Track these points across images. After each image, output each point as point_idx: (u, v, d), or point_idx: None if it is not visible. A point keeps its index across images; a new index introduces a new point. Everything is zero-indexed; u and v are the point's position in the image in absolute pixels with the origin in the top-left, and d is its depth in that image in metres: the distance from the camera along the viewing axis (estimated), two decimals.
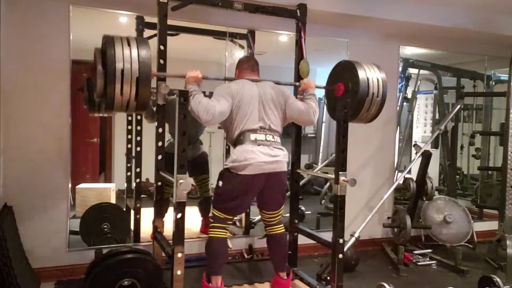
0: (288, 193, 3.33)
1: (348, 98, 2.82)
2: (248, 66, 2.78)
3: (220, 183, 2.60)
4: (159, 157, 2.80)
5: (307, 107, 2.72)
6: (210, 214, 2.75)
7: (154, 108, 2.72)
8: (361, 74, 2.75)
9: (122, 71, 2.03)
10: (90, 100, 3.03)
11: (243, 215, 3.74)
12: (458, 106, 4.06)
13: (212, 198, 2.77)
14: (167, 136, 2.92)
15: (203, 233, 3.67)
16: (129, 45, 2.09)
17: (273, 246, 2.84)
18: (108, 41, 2.06)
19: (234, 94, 2.55)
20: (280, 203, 2.78)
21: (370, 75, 2.78)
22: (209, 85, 4.14)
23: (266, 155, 2.52)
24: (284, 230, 2.86)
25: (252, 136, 2.54)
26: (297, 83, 2.92)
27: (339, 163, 2.55)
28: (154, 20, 2.73)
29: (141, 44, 2.11)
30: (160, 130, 2.78)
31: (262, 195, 2.68)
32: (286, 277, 2.81)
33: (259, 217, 3.09)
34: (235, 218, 3.23)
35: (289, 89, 2.92)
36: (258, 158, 2.49)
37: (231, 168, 2.53)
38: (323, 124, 4.97)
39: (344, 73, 2.92)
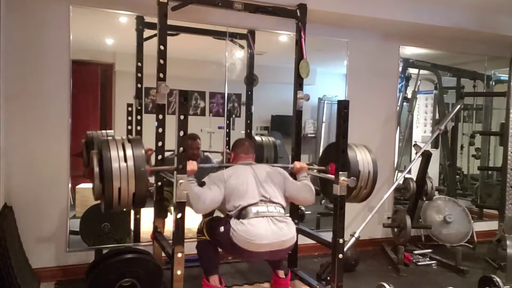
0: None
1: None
2: (241, 150, 2.81)
3: (222, 229, 2.47)
4: (159, 157, 2.80)
5: (306, 186, 2.72)
6: (204, 219, 2.74)
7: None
8: (352, 155, 2.74)
9: (119, 172, 2.11)
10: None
11: None
12: (458, 106, 4.06)
13: (208, 225, 2.68)
14: (167, 133, 2.90)
15: None
16: (123, 146, 2.18)
17: None
18: (104, 145, 2.16)
19: (226, 179, 2.54)
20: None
21: (360, 156, 2.78)
22: (208, 85, 4.16)
23: (270, 232, 2.39)
24: None
25: (254, 209, 2.44)
26: (291, 166, 2.89)
27: (339, 163, 2.55)
28: (154, 20, 2.73)
29: (134, 144, 2.20)
30: (160, 130, 2.78)
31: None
32: (284, 276, 2.81)
33: None
34: None
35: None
36: (261, 236, 2.36)
37: (231, 232, 2.39)
38: (323, 124, 4.97)
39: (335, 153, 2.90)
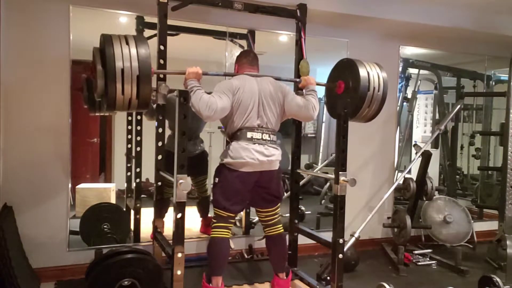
0: (288, 193, 3.34)
1: (348, 95, 2.81)
2: (247, 61, 2.78)
3: (217, 179, 2.64)
4: (159, 157, 2.79)
5: (307, 103, 2.71)
6: (212, 215, 2.75)
7: (154, 106, 2.73)
8: (362, 72, 2.74)
9: (122, 70, 2.01)
10: (90, 99, 3.03)
11: (243, 215, 3.74)
12: (458, 106, 4.06)
13: (212, 197, 2.77)
14: (167, 133, 2.91)
15: (203, 233, 3.67)
16: (127, 43, 2.07)
17: (272, 246, 2.84)
18: (107, 40, 2.05)
19: (235, 90, 2.56)
20: (271, 200, 2.78)
21: (371, 73, 2.77)
22: (208, 85, 4.16)
23: (260, 154, 2.56)
24: (282, 230, 2.86)
25: (249, 134, 2.57)
26: (298, 79, 2.93)
27: (339, 163, 2.55)
28: (154, 20, 2.72)
29: (139, 42, 2.10)
30: (160, 130, 2.78)
31: (252, 193, 2.70)
32: (285, 277, 2.81)
33: None
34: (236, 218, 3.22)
35: (290, 86, 2.90)
36: (253, 157, 2.54)
37: (226, 164, 2.58)
38: (323, 124, 4.97)
39: (344, 71, 2.93)
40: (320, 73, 4.40)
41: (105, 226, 3.30)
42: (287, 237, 3.15)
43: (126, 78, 2.02)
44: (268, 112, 2.64)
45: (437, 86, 4.89)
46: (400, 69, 4.33)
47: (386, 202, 3.95)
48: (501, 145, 3.83)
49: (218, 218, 2.64)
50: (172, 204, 2.32)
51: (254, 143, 2.57)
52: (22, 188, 2.95)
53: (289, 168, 3.27)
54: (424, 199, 4.07)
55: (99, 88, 2.04)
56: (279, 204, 2.84)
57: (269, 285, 2.97)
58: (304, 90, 2.85)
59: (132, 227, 3.44)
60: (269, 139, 2.63)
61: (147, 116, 3.31)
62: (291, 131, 3.23)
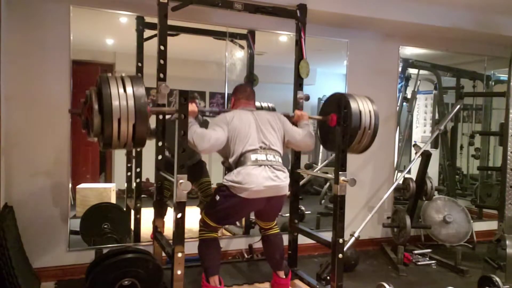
0: (288, 193, 3.34)
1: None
2: (243, 96, 2.79)
3: (217, 197, 2.56)
4: (159, 157, 2.80)
5: (305, 132, 2.75)
6: (200, 223, 2.73)
7: (152, 128, 2.69)
8: (354, 106, 2.75)
9: (119, 109, 2.06)
10: (88, 124, 3.02)
11: None
12: (458, 106, 4.06)
13: (206, 208, 2.73)
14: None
15: None
16: (123, 83, 2.12)
17: (268, 246, 2.86)
18: (104, 81, 2.10)
19: (229, 121, 2.57)
20: (274, 216, 2.84)
21: (363, 107, 2.78)
22: (208, 85, 4.16)
23: (267, 178, 2.48)
24: (278, 230, 2.87)
25: (253, 157, 2.50)
26: (291, 114, 2.92)
27: (339, 163, 2.56)
28: (154, 20, 2.73)
29: (135, 82, 2.15)
30: (160, 129, 2.78)
31: (259, 211, 2.73)
32: (284, 276, 2.82)
33: None
34: None
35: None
36: (259, 183, 2.45)
37: (230, 187, 2.48)
38: None
39: (337, 105, 2.91)
40: (320, 73, 4.42)
41: (105, 226, 3.30)
42: (286, 237, 3.16)
43: (123, 117, 2.06)
44: (269, 136, 2.61)
45: (437, 86, 4.89)
46: (400, 69, 4.34)
47: (386, 202, 3.96)
48: (501, 145, 3.84)
49: (206, 225, 2.66)
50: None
51: (260, 165, 2.49)
52: (23, 188, 2.96)
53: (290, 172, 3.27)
54: (424, 199, 4.08)
55: (96, 127, 2.09)
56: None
57: (269, 285, 2.97)
58: (298, 123, 2.86)
59: (132, 227, 3.44)
60: (274, 159, 2.55)
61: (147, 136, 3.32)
62: None
